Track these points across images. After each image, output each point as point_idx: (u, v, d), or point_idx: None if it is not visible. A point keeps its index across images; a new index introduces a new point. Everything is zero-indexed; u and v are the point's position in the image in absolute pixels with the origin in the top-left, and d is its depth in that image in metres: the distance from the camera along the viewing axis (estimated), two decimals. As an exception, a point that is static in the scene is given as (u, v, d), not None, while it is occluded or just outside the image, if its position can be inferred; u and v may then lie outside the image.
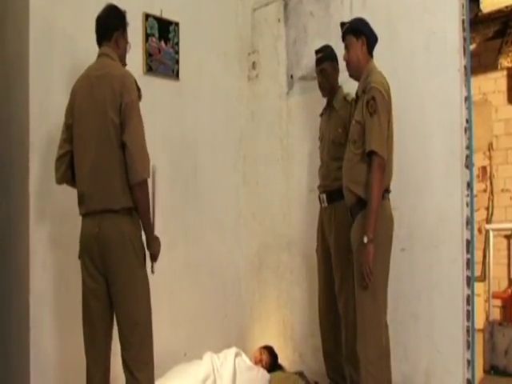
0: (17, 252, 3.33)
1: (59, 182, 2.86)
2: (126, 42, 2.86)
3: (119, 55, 2.81)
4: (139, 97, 2.71)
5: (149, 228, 2.71)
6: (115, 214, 2.61)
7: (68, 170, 2.80)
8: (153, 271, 2.77)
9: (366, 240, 2.77)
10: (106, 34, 2.78)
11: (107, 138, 2.60)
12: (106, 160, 2.62)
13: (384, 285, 2.89)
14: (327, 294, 3.44)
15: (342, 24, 3.14)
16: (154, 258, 2.77)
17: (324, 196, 3.45)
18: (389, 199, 2.95)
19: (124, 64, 2.86)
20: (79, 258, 2.76)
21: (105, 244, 2.61)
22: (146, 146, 2.63)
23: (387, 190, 2.94)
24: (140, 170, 2.59)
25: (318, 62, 3.55)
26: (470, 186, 3.12)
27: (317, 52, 3.59)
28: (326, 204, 3.44)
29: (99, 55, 2.79)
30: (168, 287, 3.81)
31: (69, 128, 2.77)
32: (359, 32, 3.01)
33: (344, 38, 3.09)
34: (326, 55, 3.50)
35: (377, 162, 2.79)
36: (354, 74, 3.06)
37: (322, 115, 3.64)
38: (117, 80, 2.63)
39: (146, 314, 2.69)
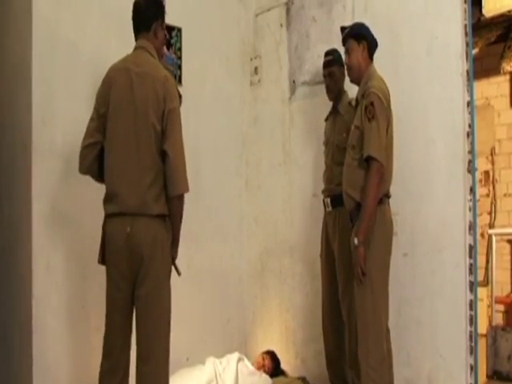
0: (19, 255, 3.33)
1: (84, 171, 2.72)
2: (164, 33, 2.79)
3: (156, 47, 2.72)
4: (180, 103, 2.65)
5: (178, 234, 2.67)
6: (149, 217, 2.54)
7: (95, 161, 2.67)
8: (179, 273, 2.71)
9: (356, 242, 2.79)
10: (144, 24, 2.69)
11: (147, 144, 2.54)
12: (144, 166, 2.54)
13: (383, 289, 2.89)
14: (331, 298, 3.43)
15: (343, 28, 3.15)
16: (173, 261, 2.70)
17: (328, 200, 3.44)
18: (388, 204, 2.95)
19: (161, 56, 2.80)
20: (100, 262, 2.66)
21: (136, 245, 2.51)
22: (184, 158, 2.59)
23: (387, 195, 2.94)
24: (181, 183, 2.55)
25: (327, 64, 3.53)
26: (472, 190, 3.12)
27: (326, 54, 3.56)
28: (331, 208, 3.43)
29: (137, 47, 2.69)
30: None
31: (101, 117, 2.64)
32: (360, 37, 3.02)
33: (345, 43, 3.09)
34: (335, 58, 3.47)
35: (375, 167, 2.79)
36: (355, 78, 3.07)
37: (326, 120, 3.63)
38: (160, 83, 2.56)
39: (167, 328, 2.61)
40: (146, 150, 2.54)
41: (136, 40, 2.74)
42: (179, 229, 2.66)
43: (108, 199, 2.63)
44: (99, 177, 2.72)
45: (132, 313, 2.62)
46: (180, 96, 2.66)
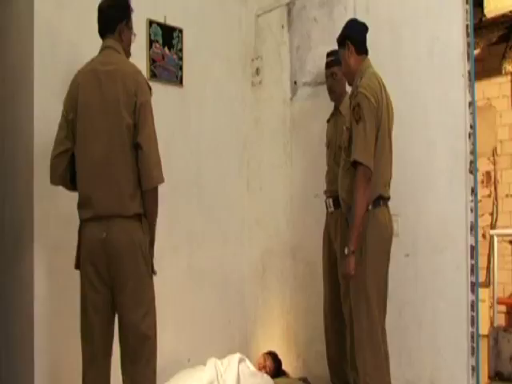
0: (21, 257, 3.34)
1: (56, 182, 2.70)
2: (131, 33, 2.77)
3: (123, 47, 2.71)
4: (150, 95, 2.62)
5: (154, 233, 2.64)
6: (125, 219, 2.51)
7: (67, 169, 2.64)
8: (155, 273, 2.68)
9: (346, 251, 2.74)
10: (108, 25, 2.67)
11: (120, 141, 2.50)
12: (118, 163, 2.51)
13: (377, 294, 2.83)
14: (333, 299, 3.43)
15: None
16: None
17: (330, 201, 3.44)
18: (386, 205, 2.90)
19: (128, 56, 2.77)
20: (76, 267, 2.63)
21: (113, 250, 2.48)
22: (158, 150, 2.57)
23: (381, 197, 2.87)
24: (156, 175, 2.53)
25: (329, 65, 3.54)
26: (474, 191, 3.11)
27: (328, 55, 3.57)
28: (333, 209, 3.43)
29: (104, 48, 2.68)
30: (171, 293, 3.81)
31: (70, 123, 2.61)
32: (343, 40, 2.99)
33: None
34: (337, 59, 3.40)
35: (361, 172, 2.72)
36: (351, 81, 3.03)
37: (328, 121, 3.63)
38: (130, 78, 2.54)
39: (154, 327, 2.59)
40: (119, 147, 2.51)
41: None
42: (155, 225, 2.64)
43: (82, 204, 2.60)
44: (71, 185, 2.69)
45: (113, 316, 2.61)
46: (150, 88, 2.63)
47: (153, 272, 2.66)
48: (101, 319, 2.57)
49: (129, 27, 2.75)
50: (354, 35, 2.98)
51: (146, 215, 2.57)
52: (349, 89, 3.41)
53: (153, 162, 2.52)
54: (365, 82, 2.83)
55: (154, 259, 2.67)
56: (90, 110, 2.56)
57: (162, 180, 2.57)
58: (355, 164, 2.75)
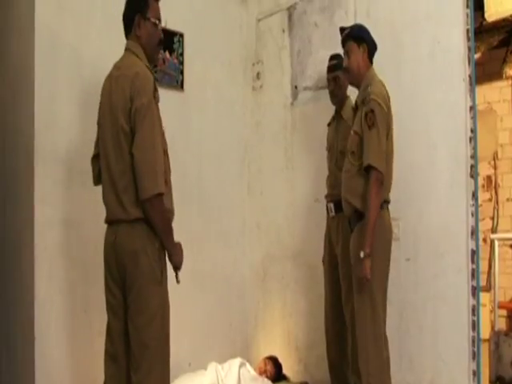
0: (22, 260, 3.34)
1: (96, 183, 2.76)
2: (150, 24, 2.60)
3: (142, 45, 2.60)
4: (154, 97, 2.50)
5: (167, 240, 2.51)
6: (129, 224, 2.47)
7: (100, 173, 2.67)
8: (178, 281, 2.61)
9: (362, 255, 2.75)
10: (126, 27, 2.63)
11: (118, 148, 2.46)
12: (117, 170, 2.48)
13: (382, 296, 2.86)
14: (334, 303, 3.43)
15: (342, 29, 3.11)
16: (175, 268, 2.60)
17: (332, 205, 3.44)
18: (388, 209, 2.93)
19: (152, 51, 2.67)
20: None
21: (120, 253, 2.47)
22: (156, 157, 2.42)
23: (386, 201, 2.90)
24: (147, 186, 2.39)
25: (332, 68, 3.52)
26: (474, 195, 3.11)
27: (331, 58, 3.56)
28: (334, 213, 3.43)
29: (124, 50, 2.64)
30: (172, 297, 3.78)
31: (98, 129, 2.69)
32: (361, 39, 2.98)
33: (344, 44, 3.05)
34: (340, 63, 3.39)
35: (374, 176, 2.75)
36: (355, 81, 3.04)
37: (329, 125, 3.63)
38: (128, 82, 2.45)
39: (158, 337, 2.49)
40: (117, 154, 2.48)
41: None
42: (166, 235, 2.51)
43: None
44: None
45: None
46: (156, 90, 2.52)
47: (176, 280, 2.61)
48: (118, 321, 2.55)
49: (146, 19, 2.59)
50: (371, 43, 3.01)
51: (151, 224, 2.49)
52: (349, 92, 3.42)
53: (144, 172, 2.39)
54: (375, 89, 2.85)
55: (181, 264, 2.61)
56: (103, 118, 2.60)
57: (154, 191, 2.40)
58: (368, 169, 2.78)
